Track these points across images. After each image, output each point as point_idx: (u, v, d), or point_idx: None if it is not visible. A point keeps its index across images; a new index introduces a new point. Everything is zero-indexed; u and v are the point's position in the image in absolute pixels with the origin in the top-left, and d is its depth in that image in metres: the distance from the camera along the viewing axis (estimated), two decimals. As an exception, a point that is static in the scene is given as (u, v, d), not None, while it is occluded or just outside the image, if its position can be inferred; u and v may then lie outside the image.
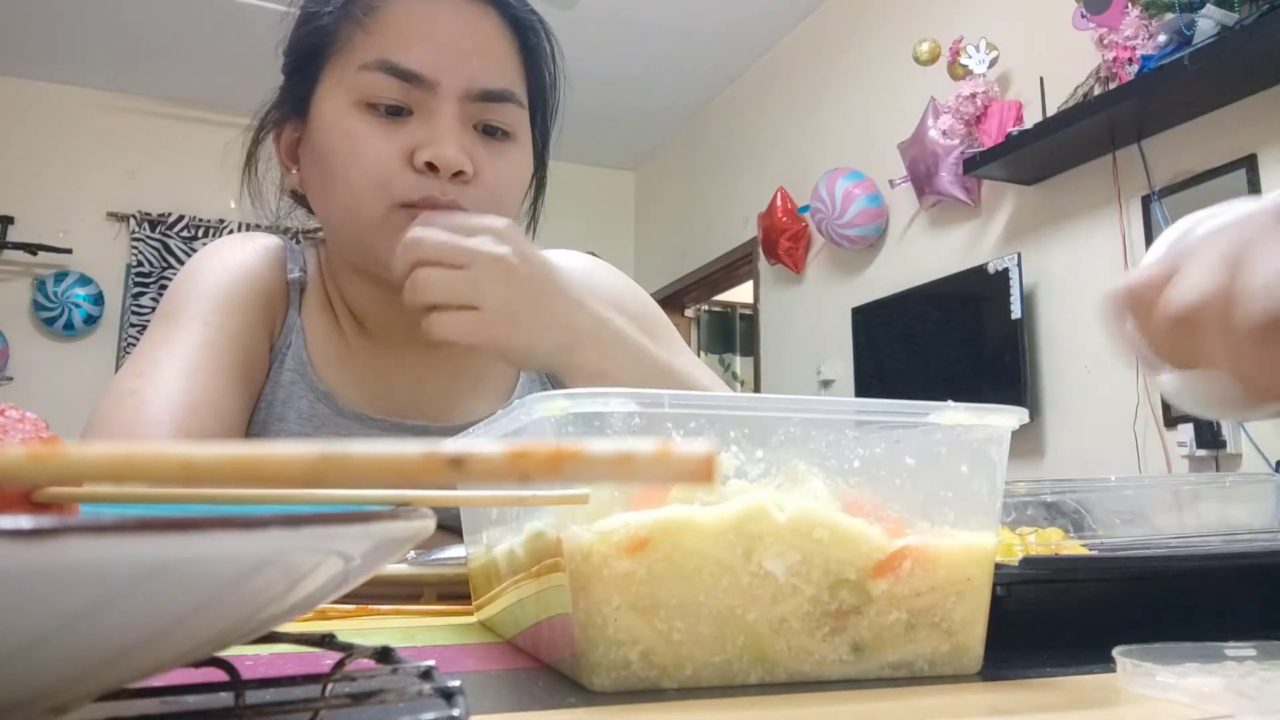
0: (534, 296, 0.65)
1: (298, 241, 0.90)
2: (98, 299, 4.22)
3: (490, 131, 0.75)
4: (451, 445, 0.14)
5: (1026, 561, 0.39)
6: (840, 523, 0.33)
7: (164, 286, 4.20)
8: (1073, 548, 0.47)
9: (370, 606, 0.54)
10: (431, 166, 0.71)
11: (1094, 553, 0.46)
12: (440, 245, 0.63)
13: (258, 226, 0.91)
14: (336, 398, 0.80)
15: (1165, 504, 0.58)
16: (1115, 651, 0.32)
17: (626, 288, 0.94)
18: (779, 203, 3.69)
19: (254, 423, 0.79)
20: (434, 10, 0.73)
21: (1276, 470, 2.08)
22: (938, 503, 0.36)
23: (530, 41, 0.79)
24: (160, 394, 0.70)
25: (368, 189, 0.72)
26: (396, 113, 0.72)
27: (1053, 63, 2.58)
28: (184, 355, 0.73)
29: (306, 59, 0.77)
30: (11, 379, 4.02)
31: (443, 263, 0.63)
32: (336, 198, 0.74)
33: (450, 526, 0.56)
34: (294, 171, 0.80)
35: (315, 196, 0.78)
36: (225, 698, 0.24)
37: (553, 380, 0.89)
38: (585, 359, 0.66)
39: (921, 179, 2.87)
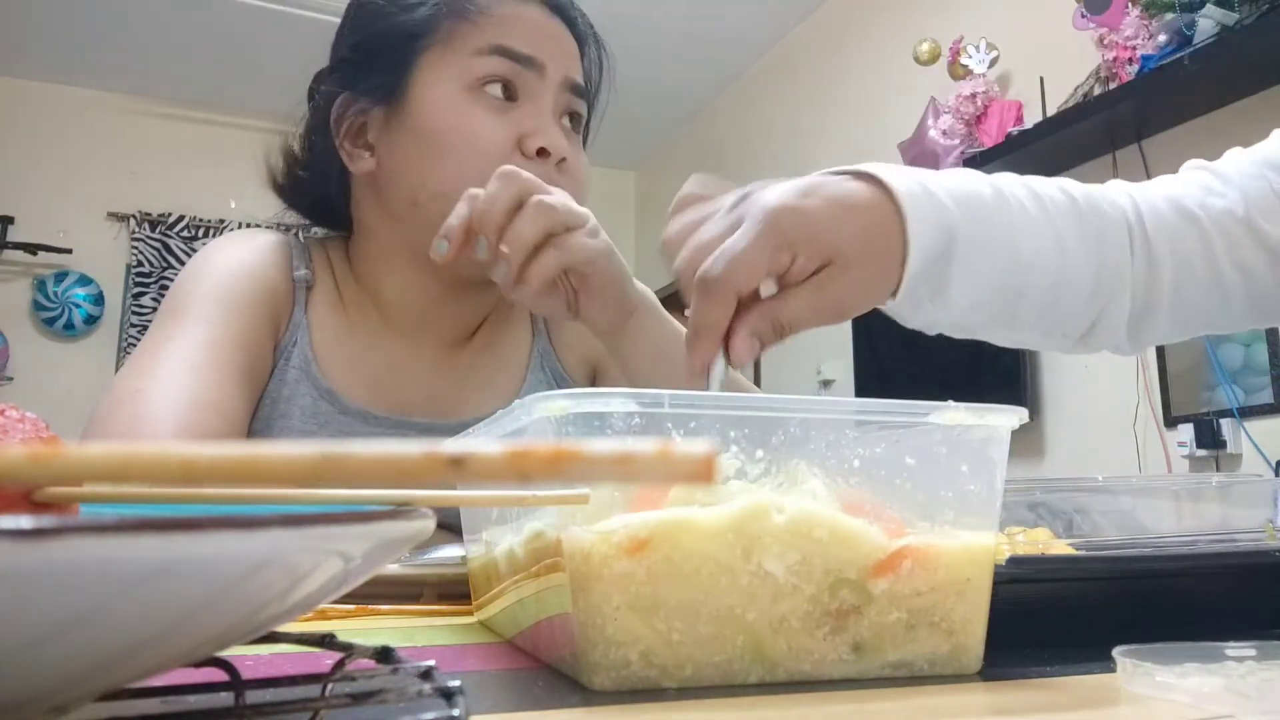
0: (612, 251, 0.72)
1: (300, 238, 0.90)
2: (98, 299, 4.22)
3: (570, 123, 0.82)
4: (451, 445, 0.14)
5: (1013, 561, 0.39)
6: (840, 523, 0.33)
7: (164, 286, 4.20)
8: (1060, 548, 0.47)
9: (370, 606, 0.54)
10: (542, 152, 0.76)
11: (1081, 552, 0.46)
12: (532, 180, 0.68)
13: (258, 226, 0.91)
14: (341, 396, 0.80)
15: (1156, 504, 0.59)
16: (1115, 651, 0.32)
17: None
18: (779, 203, 3.69)
19: (257, 419, 0.79)
20: (532, 12, 0.81)
21: (1277, 471, 2.08)
22: (937, 503, 0.36)
23: (591, 53, 0.88)
24: (164, 392, 0.70)
25: (479, 170, 0.73)
26: (506, 95, 0.78)
27: (1053, 63, 2.57)
28: (188, 354, 0.73)
29: (397, 47, 0.79)
30: (11, 379, 4.02)
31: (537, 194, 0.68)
32: (443, 175, 0.77)
33: (450, 526, 0.56)
34: (368, 155, 0.81)
35: (403, 178, 0.79)
36: (225, 698, 0.24)
37: (558, 379, 0.90)
38: (644, 324, 0.74)
39: (921, 179, 2.87)
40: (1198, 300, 0.63)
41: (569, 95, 0.81)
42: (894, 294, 0.53)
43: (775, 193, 0.51)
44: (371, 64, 0.81)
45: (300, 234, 0.91)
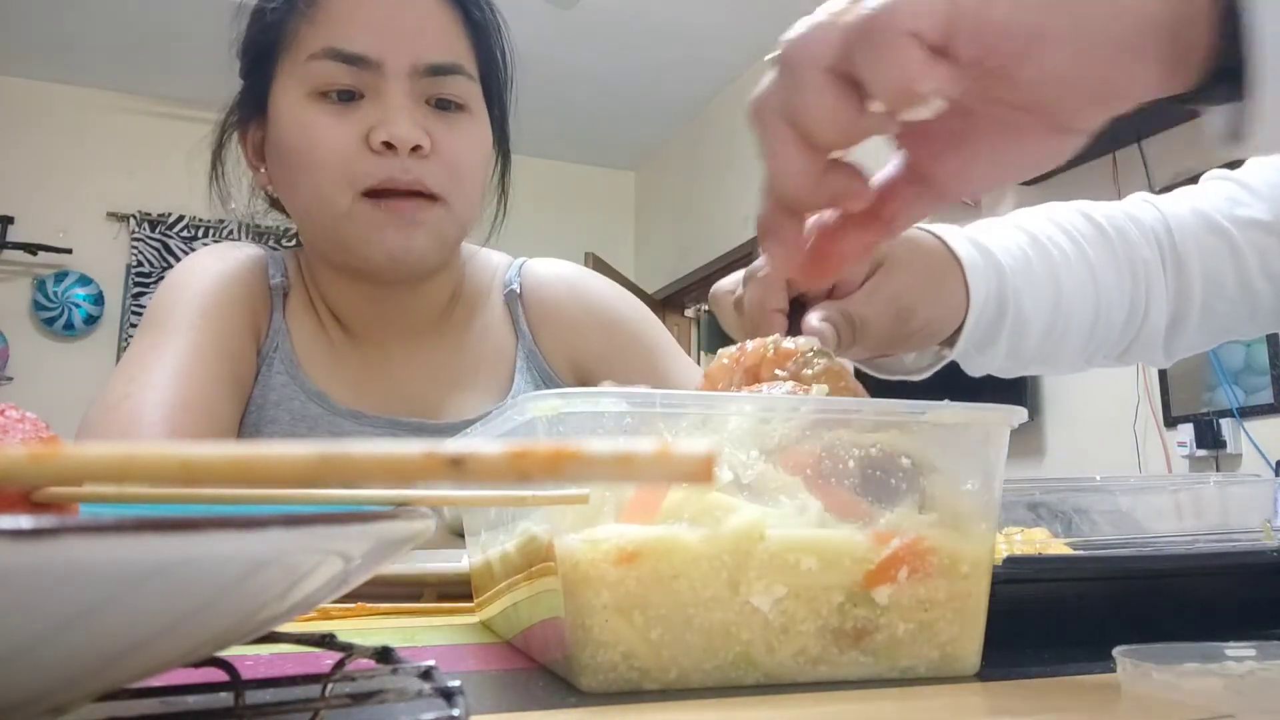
0: None
1: (276, 248, 0.91)
2: (98, 299, 4.22)
3: (443, 105, 0.77)
4: (451, 445, 0.14)
5: (1010, 561, 0.39)
6: (826, 545, 0.33)
7: (164, 286, 4.19)
8: (1058, 548, 0.47)
9: (370, 606, 0.54)
10: (389, 145, 0.72)
11: (1079, 553, 0.46)
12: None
13: (258, 228, 0.91)
14: (329, 397, 0.80)
15: (1154, 504, 0.59)
16: (1115, 651, 0.32)
17: (619, 296, 0.94)
18: (779, 203, 3.69)
19: (245, 425, 0.79)
20: None
21: (1277, 471, 2.08)
22: (934, 503, 0.35)
23: (475, 16, 0.80)
24: (152, 398, 0.70)
25: (329, 179, 0.73)
26: (348, 98, 0.74)
27: (1053, 63, 2.57)
28: (173, 360, 0.74)
29: (260, 58, 0.78)
30: (11, 379, 4.02)
31: None
32: (302, 191, 0.76)
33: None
34: (262, 170, 0.81)
35: (283, 193, 0.79)
36: (225, 698, 0.24)
37: (547, 380, 0.89)
38: None
39: (921, 179, 2.86)
40: (1226, 311, 0.63)
41: (428, 80, 0.75)
42: (950, 345, 0.55)
43: None
44: (248, 76, 0.80)
45: (274, 244, 0.92)
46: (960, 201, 0.42)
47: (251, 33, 0.79)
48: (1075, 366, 0.64)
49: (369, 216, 0.73)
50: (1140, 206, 0.64)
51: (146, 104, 4.36)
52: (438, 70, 0.76)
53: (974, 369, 0.61)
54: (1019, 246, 0.58)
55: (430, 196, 0.74)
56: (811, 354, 0.40)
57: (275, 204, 0.85)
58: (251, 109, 0.80)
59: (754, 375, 0.40)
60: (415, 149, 0.73)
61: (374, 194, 0.73)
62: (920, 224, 0.55)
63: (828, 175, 0.36)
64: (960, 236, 0.56)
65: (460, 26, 0.79)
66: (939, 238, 0.55)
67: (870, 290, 0.50)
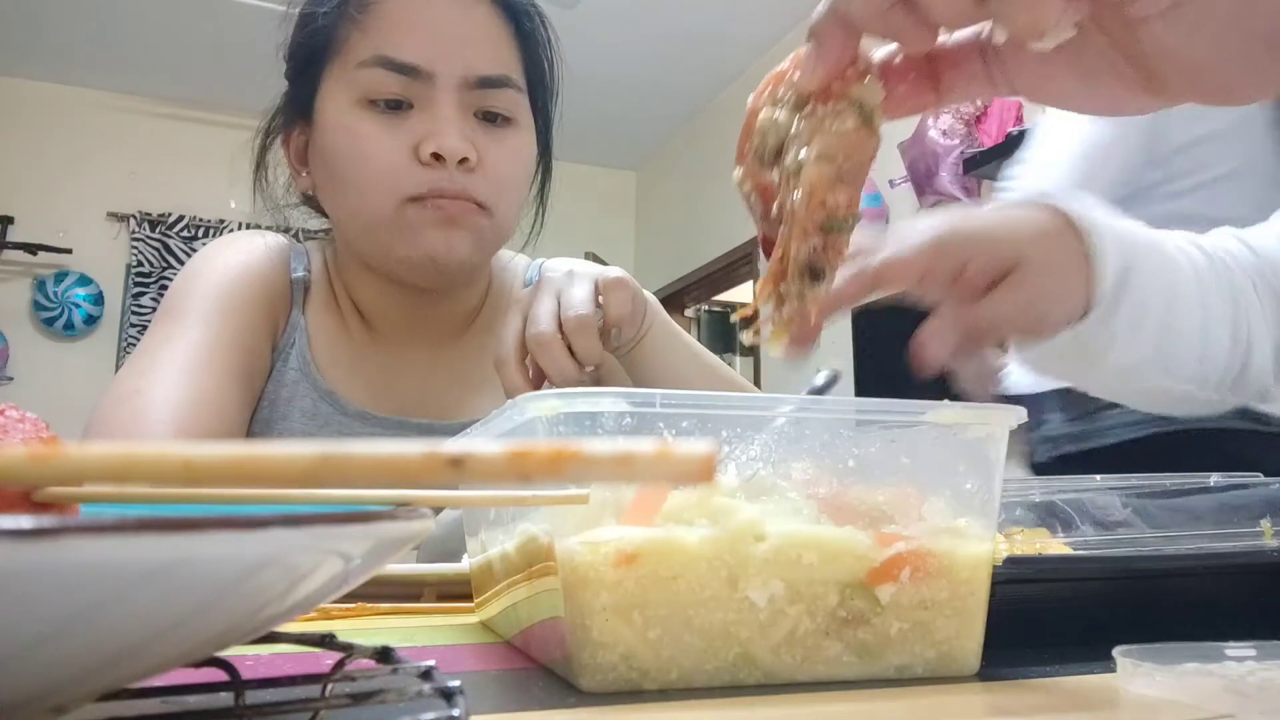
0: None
1: (300, 239, 0.90)
2: (98, 299, 4.22)
3: (490, 118, 0.77)
4: (451, 445, 0.14)
5: (1010, 561, 0.39)
6: (826, 541, 0.33)
7: (164, 286, 4.20)
8: (1058, 547, 0.47)
9: (370, 606, 0.54)
10: (437, 157, 0.72)
11: (1079, 552, 0.46)
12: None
13: (258, 226, 0.91)
14: (340, 397, 0.80)
15: (1155, 504, 0.58)
16: (1115, 651, 0.32)
17: None
18: (779, 203, 3.69)
19: (256, 421, 0.79)
20: (427, 2, 0.75)
21: (1276, 470, 2.08)
22: (934, 504, 0.35)
23: (525, 27, 0.80)
24: (162, 393, 0.70)
25: (375, 187, 0.73)
26: (397, 106, 0.74)
27: (1053, 63, 2.57)
28: (186, 354, 0.73)
29: (307, 62, 0.78)
30: (11, 379, 4.02)
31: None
32: (346, 198, 0.76)
33: None
34: (305, 175, 0.81)
35: (326, 197, 0.79)
36: (225, 698, 0.24)
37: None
38: (656, 345, 0.73)
39: (921, 179, 2.87)
40: None
41: (477, 92, 0.75)
42: (1084, 315, 0.52)
43: (933, 218, 0.49)
44: (294, 81, 0.80)
45: (300, 236, 0.92)
46: (1016, 98, 0.40)
47: (299, 37, 0.78)
48: (1187, 397, 0.60)
49: (413, 217, 0.73)
50: (1225, 239, 0.63)
51: (146, 104, 4.35)
52: (488, 83, 0.75)
53: (1084, 378, 0.58)
54: (1148, 243, 0.56)
55: (475, 204, 0.75)
56: (858, 104, 0.37)
57: (309, 201, 0.85)
58: (296, 113, 0.79)
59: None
60: (462, 161, 0.73)
61: (418, 198, 0.73)
62: (1039, 201, 0.53)
63: (895, 9, 0.34)
64: (1094, 221, 0.52)
65: (511, 38, 0.79)
66: (1072, 222, 0.51)
67: (1010, 287, 0.48)
